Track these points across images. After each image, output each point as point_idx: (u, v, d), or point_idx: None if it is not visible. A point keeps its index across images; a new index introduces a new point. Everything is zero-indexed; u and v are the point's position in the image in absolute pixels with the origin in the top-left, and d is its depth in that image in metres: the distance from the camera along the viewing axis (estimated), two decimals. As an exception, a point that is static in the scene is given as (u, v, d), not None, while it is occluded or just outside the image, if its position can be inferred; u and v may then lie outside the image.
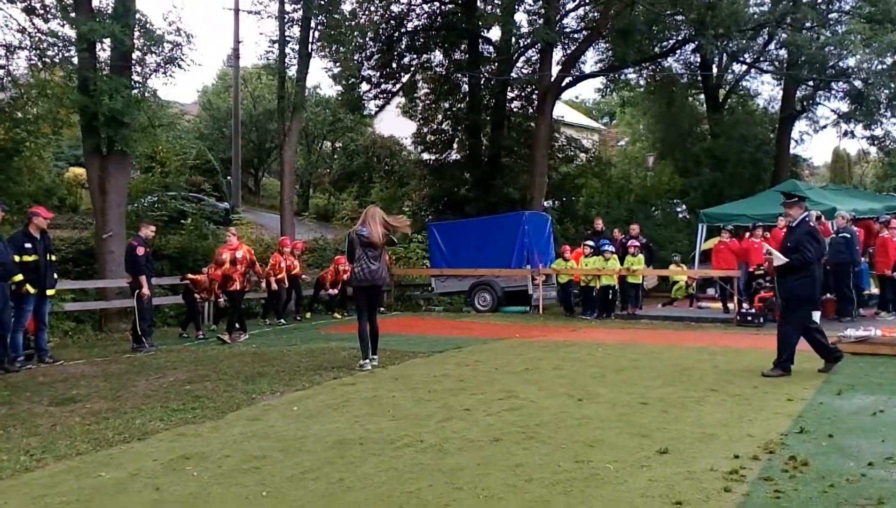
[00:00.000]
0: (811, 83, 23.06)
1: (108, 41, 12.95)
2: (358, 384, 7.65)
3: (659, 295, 17.70)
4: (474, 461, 4.83)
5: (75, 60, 13.15)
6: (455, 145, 25.78)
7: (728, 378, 7.67)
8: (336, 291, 15.52)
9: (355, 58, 21.18)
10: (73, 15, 12.66)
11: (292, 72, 16.96)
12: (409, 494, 4.22)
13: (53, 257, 10.09)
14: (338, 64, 20.40)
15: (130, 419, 6.25)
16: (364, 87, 24.05)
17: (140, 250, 10.75)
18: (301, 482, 4.49)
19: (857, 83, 20.46)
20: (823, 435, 5.29)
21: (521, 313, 15.82)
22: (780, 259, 7.86)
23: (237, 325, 11.81)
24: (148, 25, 13.39)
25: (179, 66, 13.98)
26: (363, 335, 8.63)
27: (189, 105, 38.39)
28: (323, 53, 18.39)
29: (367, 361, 8.58)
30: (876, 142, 24.15)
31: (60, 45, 12.97)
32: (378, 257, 8.63)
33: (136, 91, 13.35)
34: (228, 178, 28.05)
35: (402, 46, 23.88)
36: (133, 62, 13.64)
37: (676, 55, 25.21)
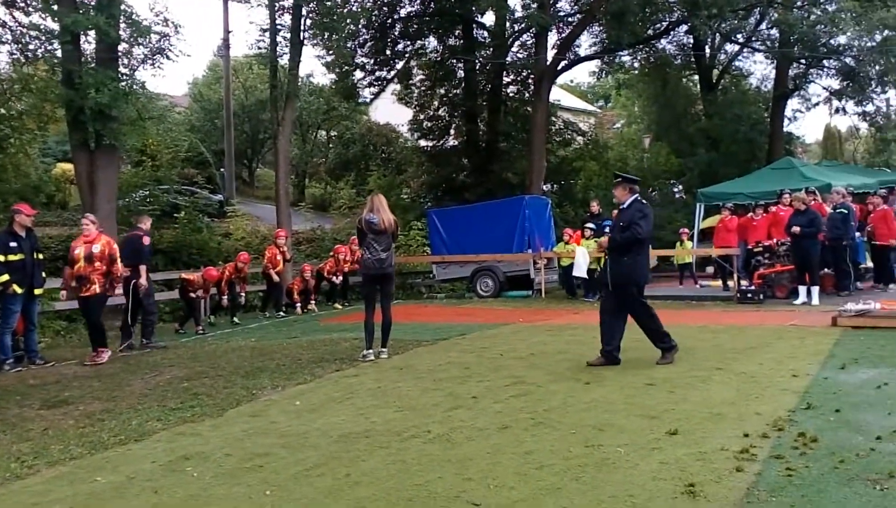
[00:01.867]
0: (803, 61, 23.19)
1: (92, 33, 12.80)
2: (361, 376, 7.55)
3: (657, 275, 17.60)
4: (483, 450, 4.75)
5: (59, 54, 12.97)
6: (452, 131, 25.67)
7: (732, 356, 7.61)
8: (339, 279, 15.44)
9: (348, 45, 20.99)
10: (55, 7, 12.46)
11: (284, 61, 16.78)
12: (418, 487, 4.14)
13: (41, 256, 9.81)
14: (331, 52, 20.25)
15: (126, 419, 6.13)
16: (358, 74, 23.86)
17: (146, 240, 10.56)
18: (306, 478, 4.40)
19: (849, 60, 20.53)
20: (830, 411, 5.24)
21: (524, 297, 15.75)
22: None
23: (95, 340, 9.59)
24: (134, 16, 13.25)
25: (168, 57, 13.88)
26: (368, 325, 8.53)
27: (179, 97, 38.08)
28: (315, 42, 18.22)
29: (370, 351, 8.49)
30: (867, 117, 24.32)
31: (43, 38, 12.81)
32: (388, 245, 8.50)
33: (123, 84, 13.21)
34: (222, 169, 27.88)
35: (396, 33, 23.66)
36: (119, 54, 13.48)
37: (670, 37, 25.20)
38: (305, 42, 16.86)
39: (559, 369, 7.35)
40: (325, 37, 17.60)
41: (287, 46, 16.54)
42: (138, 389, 7.51)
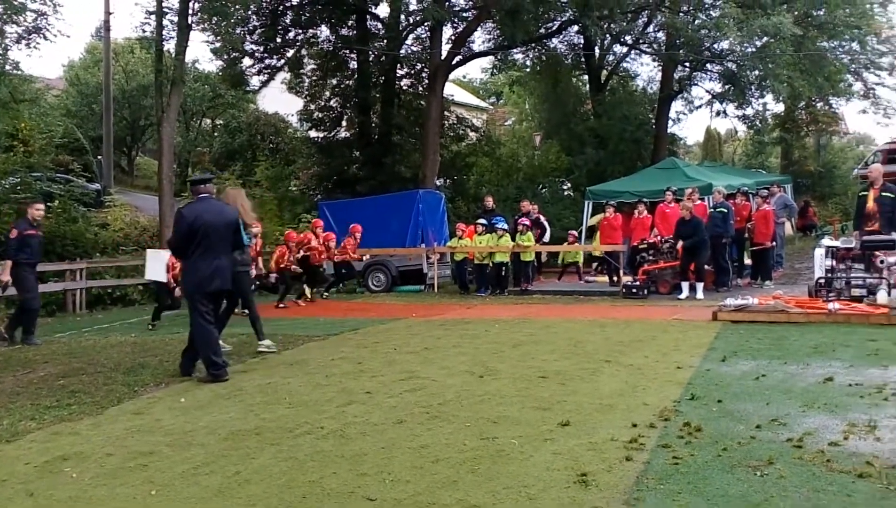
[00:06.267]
0: (688, 64, 24.05)
1: (-38, 10, 11.93)
2: (250, 372, 7.35)
3: (549, 271, 18.05)
4: (378, 445, 4.71)
5: (-77, 29, 12.02)
6: (344, 123, 25.33)
7: (620, 349, 7.86)
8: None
9: (237, 31, 20.35)
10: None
11: (170, 45, 16.09)
12: (311, 483, 4.06)
13: None
14: (219, 37, 19.56)
15: (-4, 419, 5.72)
16: (247, 62, 23.17)
17: (13, 233, 9.81)
18: (193, 477, 4.24)
19: (730, 65, 21.43)
20: (713, 401, 5.48)
21: (416, 292, 15.75)
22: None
23: None
24: (8, -8, 12.40)
25: (45, 37, 13.10)
26: (258, 316, 8.52)
27: (54, 80, 35.89)
28: (203, 26, 17.55)
29: (266, 340, 8.40)
30: (746, 120, 25.48)
31: None
32: None
33: (-5, 64, 12.40)
34: (99, 157, 26.44)
35: (287, 21, 23.06)
36: (-8, 32, 12.67)
37: (561, 36, 25.64)
38: (193, 26, 16.21)
39: (453, 363, 7.38)
40: (214, 21, 16.99)
41: (173, 30, 15.86)
42: (9, 387, 7.00)
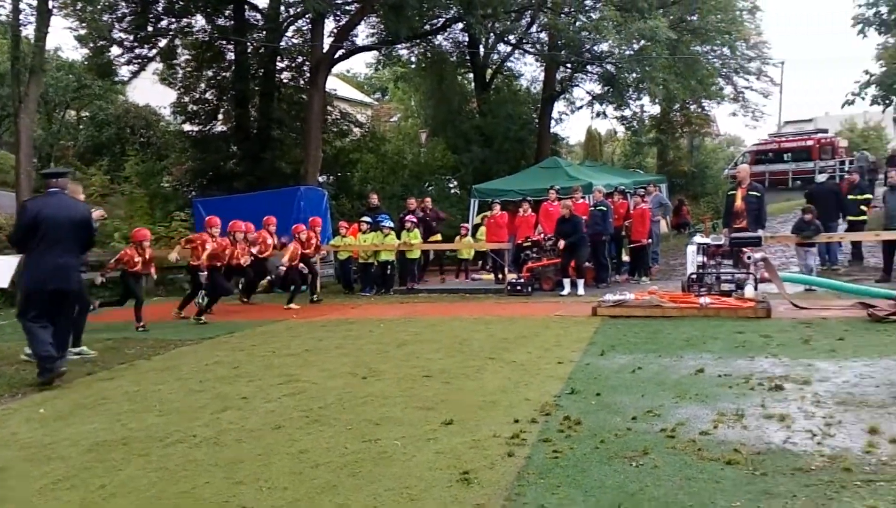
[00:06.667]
0: (569, 66, 24.67)
1: None
2: (117, 379, 6.95)
3: (433, 269, 18.06)
4: (254, 451, 4.54)
5: None
6: (220, 116, 24.32)
7: (504, 346, 7.92)
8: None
9: (104, 18, 19.20)
10: None
11: (28, 31, 15.02)
12: (182, 494, 3.88)
13: None
14: (84, 24, 18.41)
15: None
16: (115, 50, 21.79)
17: None
18: (52, 492, 3.97)
19: (610, 67, 22.16)
20: (592, 394, 5.61)
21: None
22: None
23: None
24: None
25: None
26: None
27: None
28: (66, 11, 16.46)
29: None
30: (624, 122, 26.47)
31: None
32: None
33: None
34: (-51, 151, 24.43)
35: (159, 8, 21.90)
36: None
37: (446, 33, 25.77)
38: (54, 11, 15.18)
39: (335, 365, 7.23)
40: (78, 7, 15.97)
41: (32, 14, 14.79)
42: None
